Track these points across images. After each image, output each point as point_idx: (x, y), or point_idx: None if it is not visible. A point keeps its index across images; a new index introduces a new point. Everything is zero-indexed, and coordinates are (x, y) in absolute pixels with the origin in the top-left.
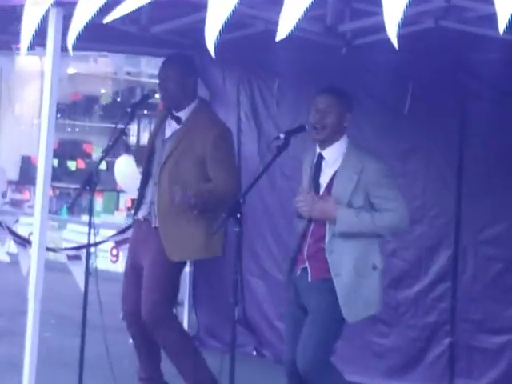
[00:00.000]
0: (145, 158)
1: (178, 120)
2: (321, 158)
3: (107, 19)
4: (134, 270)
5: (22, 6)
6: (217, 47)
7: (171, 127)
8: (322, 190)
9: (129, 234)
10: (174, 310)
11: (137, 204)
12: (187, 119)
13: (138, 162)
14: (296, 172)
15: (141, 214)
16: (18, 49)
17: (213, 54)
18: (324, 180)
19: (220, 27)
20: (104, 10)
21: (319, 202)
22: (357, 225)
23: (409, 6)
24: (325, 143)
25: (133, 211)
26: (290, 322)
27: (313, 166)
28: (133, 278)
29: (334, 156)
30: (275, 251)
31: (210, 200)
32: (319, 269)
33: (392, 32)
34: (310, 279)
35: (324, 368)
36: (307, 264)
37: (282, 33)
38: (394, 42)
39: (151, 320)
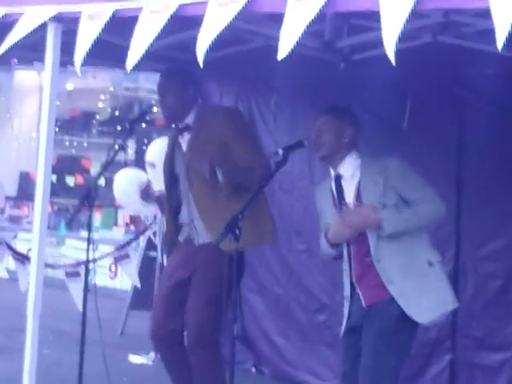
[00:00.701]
0: (166, 184)
1: (187, 128)
2: (339, 177)
3: (129, 66)
4: (174, 290)
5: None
6: (214, 62)
7: (185, 140)
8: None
9: (128, 249)
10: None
11: (174, 230)
12: (195, 121)
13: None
14: (294, 186)
15: (181, 237)
16: (17, 64)
17: (201, 64)
18: (349, 196)
19: (212, 39)
20: (108, 26)
21: (354, 212)
22: (402, 221)
23: (408, 20)
24: (335, 162)
25: (133, 228)
26: (344, 353)
27: (333, 190)
28: (169, 298)
29: (350, 171)
30: (274, 266)
31: (239, 174)
32: (370, 287)
33: (390, 48)
34: (364, 305)
35: None
36: (358, 289)
37: (282, 52)
38: (392, 58)
39: (199, 344)
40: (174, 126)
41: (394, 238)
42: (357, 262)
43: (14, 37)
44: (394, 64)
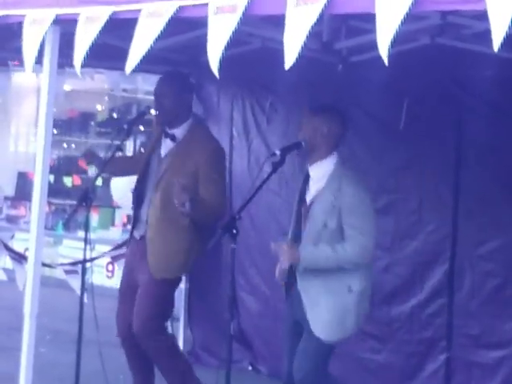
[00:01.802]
0: (139, 175)
1: (173, 138)
2: (307, 177)
3: (128, 69)
4: (129, 287)
5: (19, 24)
6: (208, 63)
7: (166, 145)
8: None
9: (124, 249)
10: (169, 326)
11: (133, 223)
12: (183, 138)
13: (111, 172)
14: (282, 187)
15: (137, 233)
16: (15, 66)
17: (217, 75)
18: (308, 198)
19: (223, 47)
20: (106, 28)
21: (281, 249)
22: (320, 260)
23: (404, 23)
24: (311, 160)
25: (129, 228)
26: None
27: (301, 182)
28: (128, 295)
29: (319, 174)
30: (263, 267)
31: (201, 211)
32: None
33: (384, 49)
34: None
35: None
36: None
37: (289, 60)
38: (385, 59)
39: (142, 334)
40: (163, 127)
41: (316, 272)
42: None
43: (30, 46)
44: (386, 64)
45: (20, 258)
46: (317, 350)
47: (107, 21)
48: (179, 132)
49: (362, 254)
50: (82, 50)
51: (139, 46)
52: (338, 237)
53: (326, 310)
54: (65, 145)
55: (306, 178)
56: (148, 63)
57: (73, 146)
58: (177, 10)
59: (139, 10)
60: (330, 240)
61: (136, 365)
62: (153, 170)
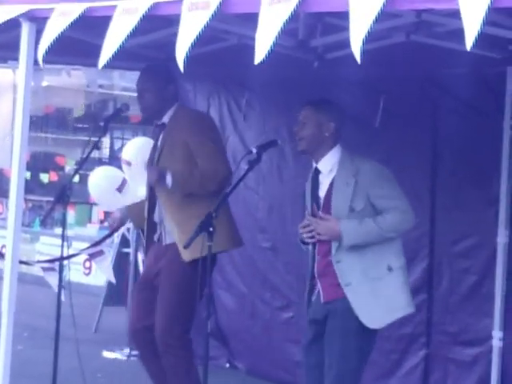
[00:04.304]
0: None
1: (162, 126)
2: (317, 171)
3: (101, 63)
4: (145, 289)
5: None
6: (188, 61)
7: (159, 136)
8: (321, 202)
9: (102, 246)
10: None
11: (149, 228)
12: (169, 121)
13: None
14: (259, 184)
15: (156, 237)
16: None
17: (182, 69)
18: (322, 192)
19: (191, 43)
20: (76, 24)
21: (321, 222)
22: (362, 234)
23: (377, 21)
24: (317, 156)
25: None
26: (307, 348)
27: (310, 181)
28: (144, 295)
29: (328, 167)
30: (239, 263)
31: (190, 182)
32: (330, 285)
33: (356, 47)
34: (322, 301)
35: None
36: (319, 284)
37: (259, 55)
38: (357, 56)
39: (162, 340)
40: (154, 123)
41: (359, 247)
42: (320, 258)
43: None
44: (359, 63)
45: None
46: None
47: (80, 16)
48: (166, 117)
49: (404, 218)
50: (46, 41)
51: (112, 42)
52: (368, 215)
53: (372, 297)
54: (41, 141)
55: (316, 173)
56: (125, 60)
57: (49, 142)
58: (151, 6)
59: (114, 7)
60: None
61: (153, 369)
62: None
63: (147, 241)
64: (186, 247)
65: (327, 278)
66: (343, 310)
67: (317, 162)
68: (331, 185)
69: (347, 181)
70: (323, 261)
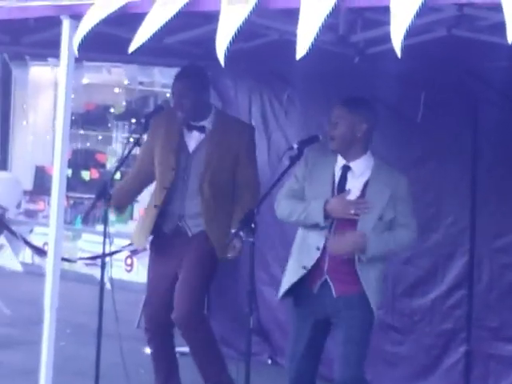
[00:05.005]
0: (167, 175)
1: (201, 129)
2: (346, 168)
3: (131, 48)
4: (166, 278)
5: (34, 19)
6: (228, 57)
7: (194, 139)
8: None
9: None
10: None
11: (158, 219)
12: (214, 126)
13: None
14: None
15: (167, 228)
16: (32, 59)
17: (222, 63)
18: (354, 192)
19: (231, 36)
20: (116, 20)
21: (343, 240)
22: (382, 245)
23: (418, 16)
24: (349, 157)
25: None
26: (299, 338)
27: (334, 174)
28: (163, 285)
29: (361, 168)
30: (286, 260)
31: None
32: (343, 282)
33: (397, 42)
34: (334, 295)
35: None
36: (327, 278)
37: (301, 50)
38: (398, 51)
39: (188, 321)
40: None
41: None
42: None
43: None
44: (399, 57)
45: (39, 251)
46: (363, 351)
47: (118, 10)
48: (207, 122)
49: (415, 238)
50: (82, 31)
51: (146, 30)
52: (388, 228)
53: (374, 279)
54: (82, 138)
55: (345, 170)
56: (165, 56)
57: (90, 139)
58: (190, 1)
59: (153, 1)
60: (382, 232)
61: (160, 357)
62: (181, 167)
63: (157, 231)
64: (228, 243)
65: (338, 274)
66: (361, 303)
67: (348, 161)
68: (365, 188)
69: (384, 189)
70: (337, 258)
